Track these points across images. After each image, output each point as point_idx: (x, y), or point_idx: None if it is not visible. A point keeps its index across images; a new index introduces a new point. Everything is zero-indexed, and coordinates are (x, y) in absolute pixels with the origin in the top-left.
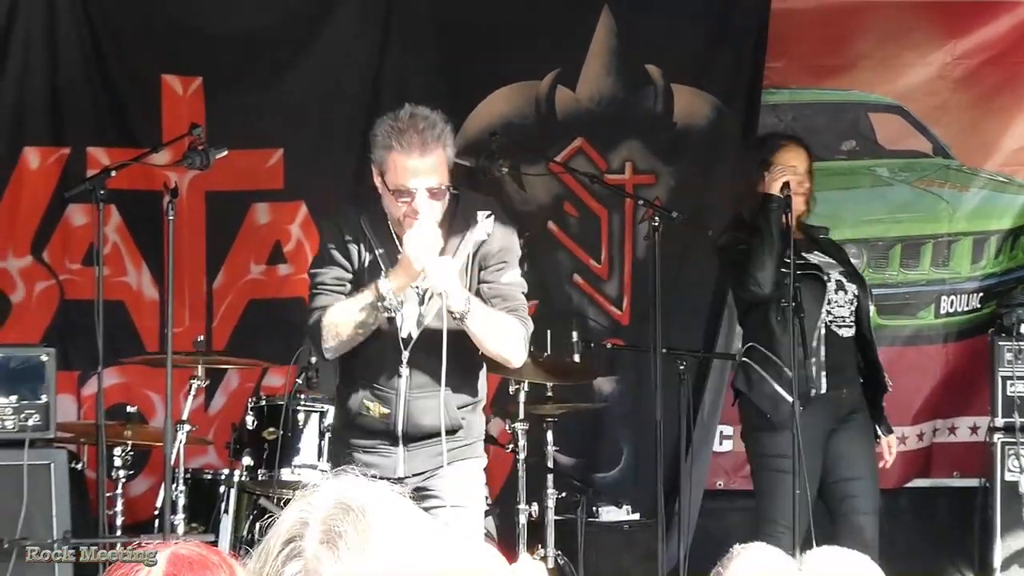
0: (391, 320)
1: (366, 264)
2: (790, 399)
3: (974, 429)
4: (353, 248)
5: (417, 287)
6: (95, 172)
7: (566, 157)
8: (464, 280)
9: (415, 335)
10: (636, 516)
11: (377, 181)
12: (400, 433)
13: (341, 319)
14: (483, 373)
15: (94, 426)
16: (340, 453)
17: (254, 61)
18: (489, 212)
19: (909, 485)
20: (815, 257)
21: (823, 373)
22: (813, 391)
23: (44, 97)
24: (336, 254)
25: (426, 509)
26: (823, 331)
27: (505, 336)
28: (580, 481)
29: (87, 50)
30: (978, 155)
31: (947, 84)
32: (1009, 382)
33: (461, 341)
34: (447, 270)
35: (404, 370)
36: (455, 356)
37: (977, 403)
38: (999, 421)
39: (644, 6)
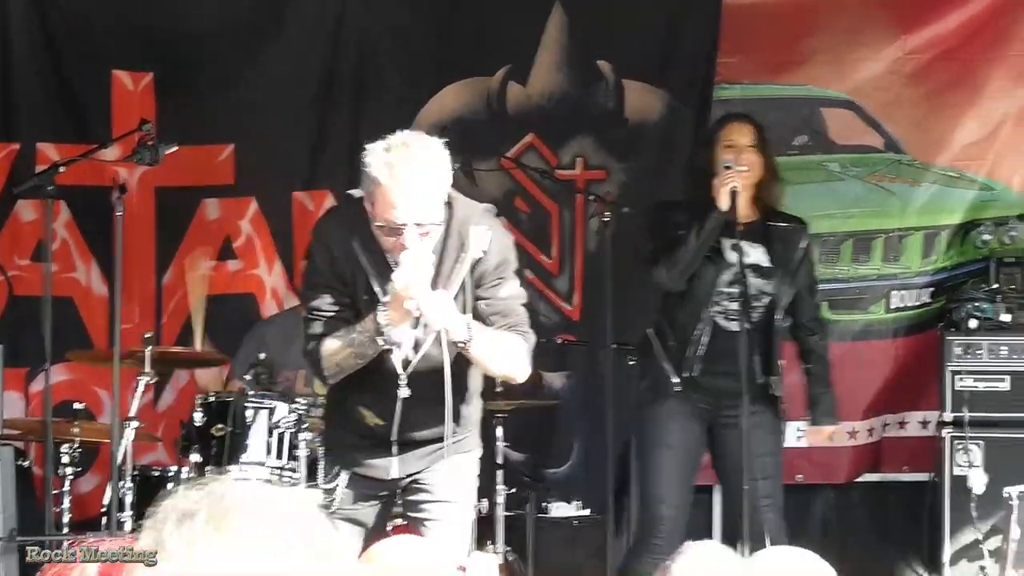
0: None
1: (359, 283)
2: (675, 379)
3: (924, 424)
4: (345, 268)
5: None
6: (44, 168)
7: (517, 153)
8: (461, 297)
9: (413, 359)
10: (586, 512)
11: (367, 207)
12: (394, 440)
13: (339, 350)
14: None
15: (41, 423)
16: (336, 452)
17: (205, 57)
18: (485, 226)
19: (859, 480)
20: (732, 248)
21: (699, 360)
22: (685, 374)
23: None
24: (329, 276)
25: (415, 503)
26: (710, 317)
27: (509, 357)
28: (530, 477)
29: (38, 45)
30: (929, 150)
31: (899, 79)
32: (958, 377)
33: (458, 358)
34: (443, 305)
35: (403, 392)
36: (452, 374)
37: (927, 398)
38: (948, 416)
39: (595, 2)
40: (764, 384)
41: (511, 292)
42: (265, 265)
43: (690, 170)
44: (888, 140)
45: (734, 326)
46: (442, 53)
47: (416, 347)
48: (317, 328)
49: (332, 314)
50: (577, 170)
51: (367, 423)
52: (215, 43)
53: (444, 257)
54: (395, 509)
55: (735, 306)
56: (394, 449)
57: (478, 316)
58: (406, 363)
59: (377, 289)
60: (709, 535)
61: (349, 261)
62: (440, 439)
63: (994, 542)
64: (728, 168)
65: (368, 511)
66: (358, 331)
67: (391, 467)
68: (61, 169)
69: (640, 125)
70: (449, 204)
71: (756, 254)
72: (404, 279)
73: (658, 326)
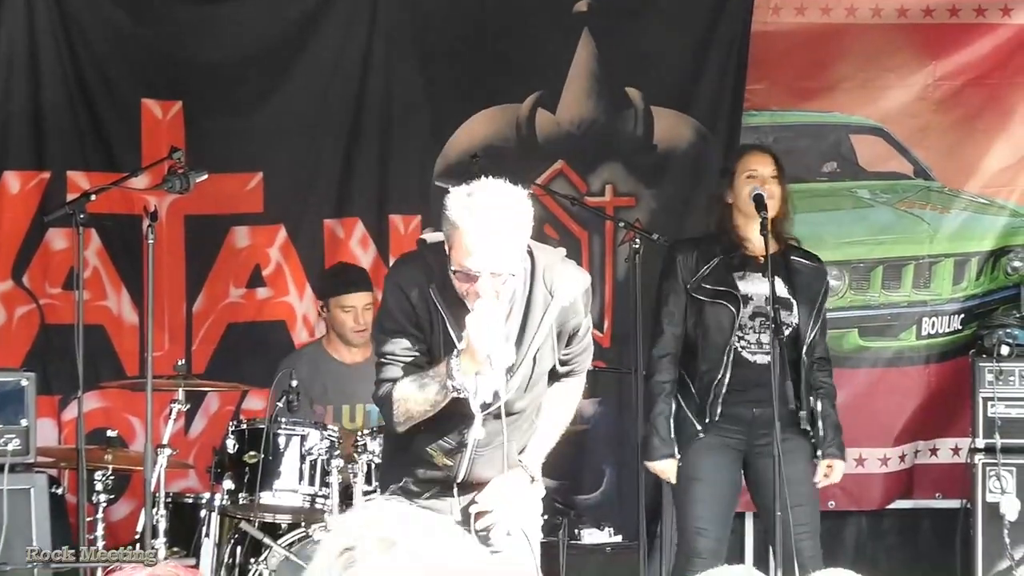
0: None
1: (436, 329)
2: (699, 427)
3: (956, 450)
4: (422, 314)
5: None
6: (75, 196)
7: (547, 180)
8: (548, 343)
9: (490, 402)
10: (618, 538)
11: (447, 250)
12: (458, 483)
13: (411, 397)
14: None
15: (74, 450)
16: (393, 491)
17: (234, 85)
18: (569, 273)
19: (891, 507)
20: (745, 279)
21: (719, 401)
22: (707, 420)
23: (24, 121)
24: (403, 321)
25: (482, 538)
26: (731, 356)
27: (565, 423)
28: (562, 503)
29: (67, 75)
30: (959, 176)
31: (928, 106)
32: (990, 403)
33: (534, 404)
34: (517, 509)
35: (477, 432)
36: (527, 419)
37: (958, 424)
38: (980, 442)
39: (624, 29)
40: (796, 411)
41: (586, 331)
42: (295, 292)
43: (713, 201)
44: (918, 167)
45: (759, 358)
46: (471, 80)
47: (495, 394)
48: (390, 373)
49: (407, 359)
50: (606, 197)
51: (435, 462)
52: (243, 71)
53: (531, 306)
54: None
55: (756, 338)
56: (456, 493)
57: (559, 366)
58: (484, 405)
59: (454, 335)
60: (741, 561)
61: (426, 306)
62: None
63: None
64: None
65: None
66: (430, 376)
67: (453, 509)
68: (92, 197)
69: (669, 152)
70: (530, 253)
71: (776, 286)
72: (476, 327)
73: (679, 375)
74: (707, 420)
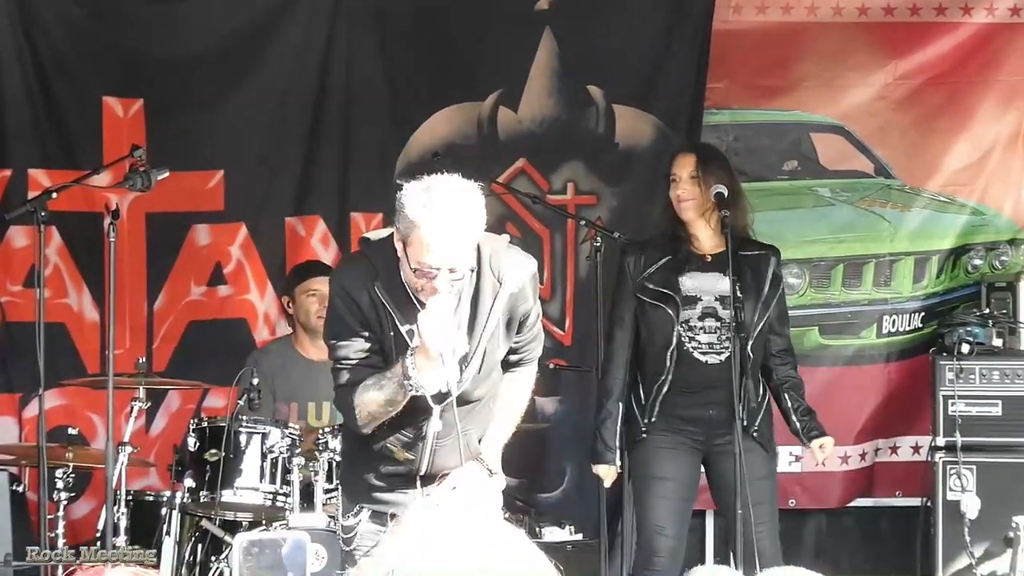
0: None
1: (385, 326)
2: (642, 426)
3: (916, 448)
4: (369, 314)
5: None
6: (36, 194)
7: (508, 178)
8: (499, 331)
9: (445, 392)
10: (579, 536)
11: (398, 245)
12: (420, 476)
13: (372, 399)
14: None
15: (35, 448)
16: (354, 488)
17: (195, 83)
18: (515, 260)
19: (852, 504)
20: (691, 279)
21: (658, 400)
22: (646, 420)
23: None
24: (353, 323)
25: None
26: (674, 357)
27: (521, 411)
28: (523, 502)
29: (28, 72)
30: (920, 175)
31: (888, 104)
32: (950, 401)
33: (490, 393)
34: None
35: (435, 425)
36: (484, 407)
37: (919, 422)
38: (940, 440)
39: (586, 27)
40: (754, 410)
41: (535, 320)
42: (257, 290)
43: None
44: (878, 165)
45: (711, 359)
46: (433, 78)
47: (447, 384)
48: (346, 377)
49: (359, 361)
50: (568, 195)
51: (395, 458)
52: (204, 69)
53: (480, 294)
54: None
55: (708, 339)
56: (418, 485)
57: (509, 357)
58: (440, 397)
59: (404, 329)
60: (702, 559)
61: (374, 307)
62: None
63: (987, 567)
64: None
65: None
66: (388, 377)
67: (415, 500)
68: (53, 195)
69: (631, 150)
70: (476, 244)
71: (725, 284)
72: (429, 327)
73: (631, 377)
74: (647, 420)
